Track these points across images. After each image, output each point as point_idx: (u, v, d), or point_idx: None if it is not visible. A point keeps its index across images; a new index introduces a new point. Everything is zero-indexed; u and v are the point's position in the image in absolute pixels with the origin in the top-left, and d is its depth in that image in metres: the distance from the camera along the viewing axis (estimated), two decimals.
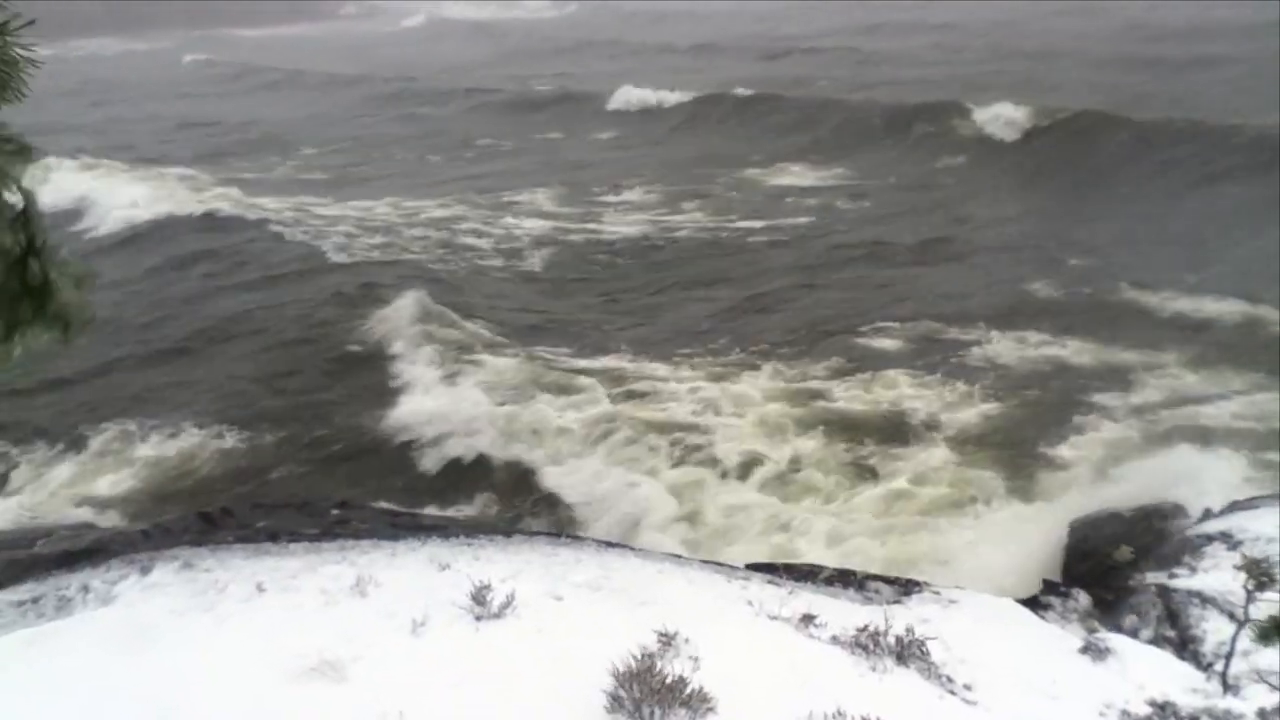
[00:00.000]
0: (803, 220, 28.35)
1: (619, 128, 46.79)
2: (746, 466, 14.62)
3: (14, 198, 2.64)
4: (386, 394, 17.59)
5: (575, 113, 50.07)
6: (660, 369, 17.78)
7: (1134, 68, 46.32)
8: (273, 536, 9.99)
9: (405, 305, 20.69)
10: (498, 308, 21.92)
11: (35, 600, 8.34)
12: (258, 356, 19.95)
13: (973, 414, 15.84)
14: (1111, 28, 61.01)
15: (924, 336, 18.78)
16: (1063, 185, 29.01)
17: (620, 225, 29.19)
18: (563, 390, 17.27)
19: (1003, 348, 18.03)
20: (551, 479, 14.78)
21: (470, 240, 28.72)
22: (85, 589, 8.33)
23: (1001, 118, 34.23)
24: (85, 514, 14.86)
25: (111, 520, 14.21)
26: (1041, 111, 33.59)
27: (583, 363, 18.54)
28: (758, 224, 28.24)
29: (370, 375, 18.57)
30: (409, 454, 15.82)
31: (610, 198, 32.88)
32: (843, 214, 28.74)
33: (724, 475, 14.53)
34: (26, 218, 2.68)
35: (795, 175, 34.75)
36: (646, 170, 36.75)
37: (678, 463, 14.84)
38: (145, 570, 8.50)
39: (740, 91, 46.40)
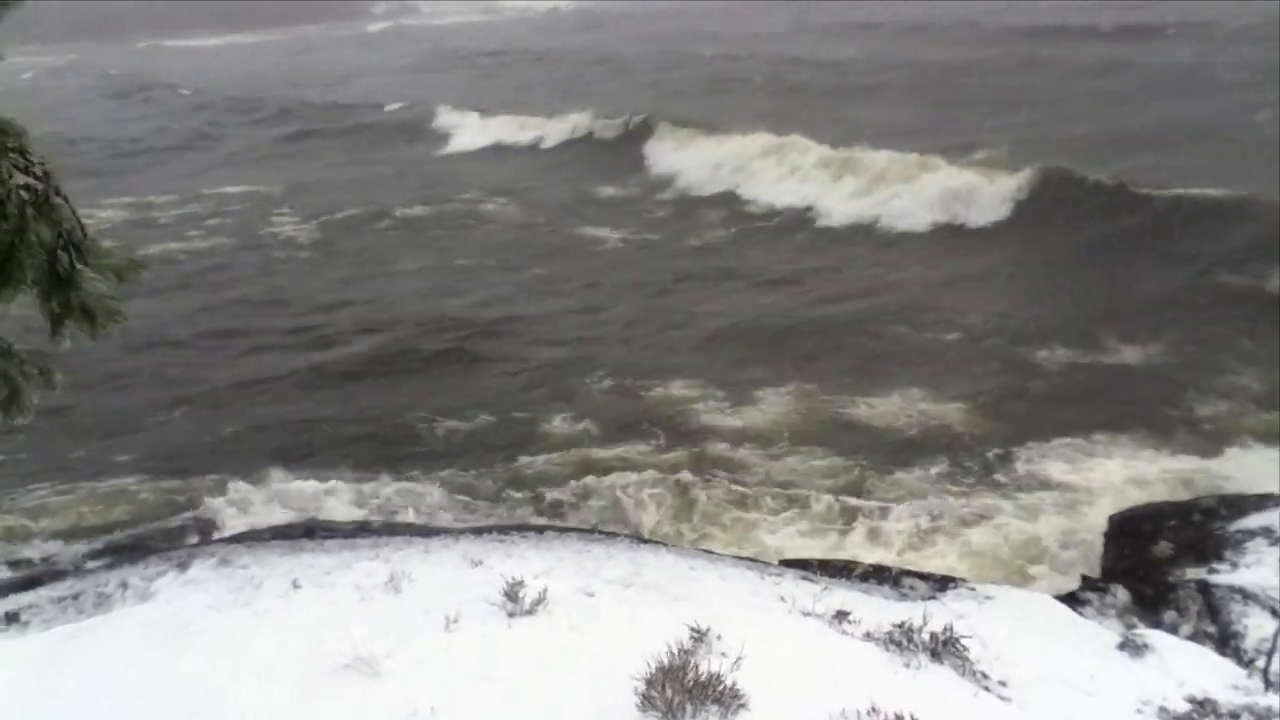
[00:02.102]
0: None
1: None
2: None
3: (41, 186, 2.68)
4: None
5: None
6: None
7: None
8: (308, 532, 10.10)
9: None
10: None
11: (75, 596, 8.48)
12: None
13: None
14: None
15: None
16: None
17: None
18: None
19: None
20: None
21: None
22: (124, 585, 8.46)
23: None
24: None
25: None
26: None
27: None
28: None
29: None
30: None
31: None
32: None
33: None
34: (53, 208, 2.73)
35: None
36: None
37: None
38: (183, 566, 8.61)
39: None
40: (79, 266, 2.82)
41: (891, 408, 15.61)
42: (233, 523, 12.07)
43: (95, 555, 10.75)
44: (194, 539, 11.22)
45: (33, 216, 2.70)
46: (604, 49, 73.42)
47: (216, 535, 11.27)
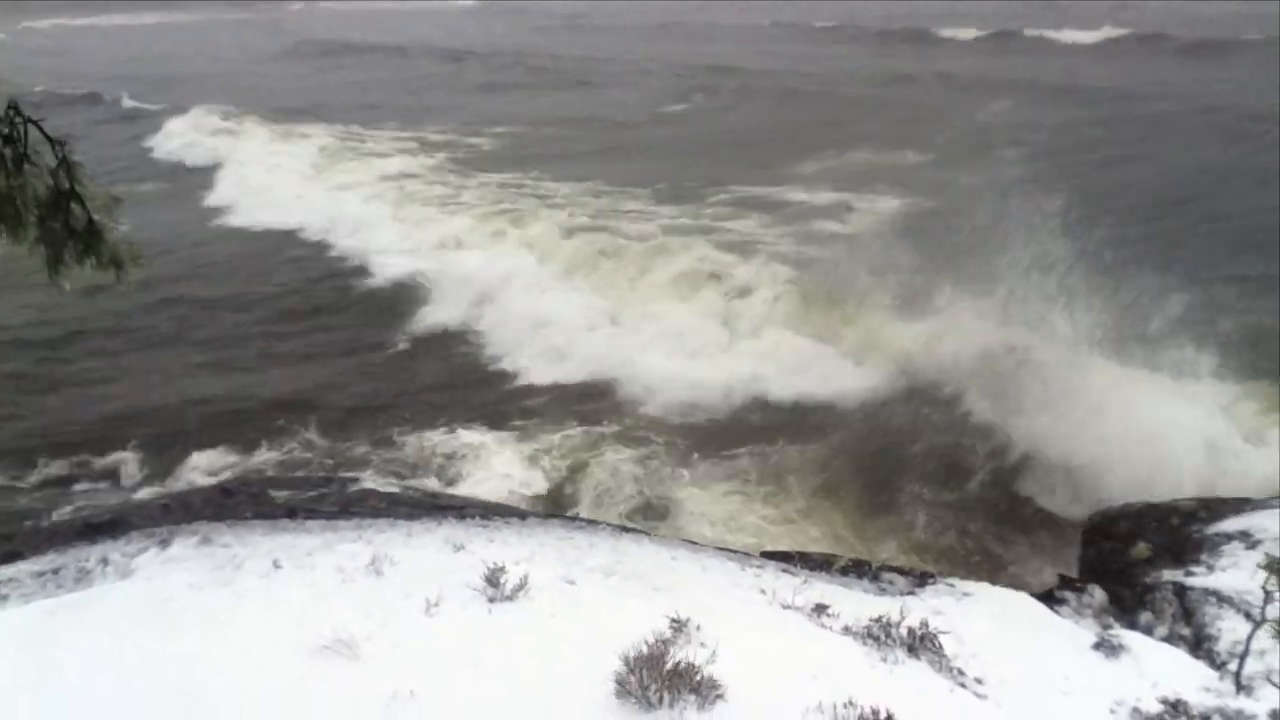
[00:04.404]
0: None
1: None
2: None
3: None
4: None
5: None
6: None
7: None
8: (290, 513, 10.08)
9: None
10: None
11: (55, 571, 8.45)
12: None
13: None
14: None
15: None
16: None
17: None
18: None
19: None
20: None
21: None
22: (105, 561, 8.44)
23: None
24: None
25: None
26: None
27: None
28: None
29: None
30: None
31: None
32: None
33: None
34: (64, 163, 2.76)
35: None
36: None
37: None
38: (164, 544, 8.60)
39: None
40: (96, 218, 2.87)
41: None
42: None
43: (76, 529, 10.71)
44: (175, 516, 11.19)
45: (33, 173, 2.74)
46: (477, 45, 73.56)
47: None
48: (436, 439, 16.20)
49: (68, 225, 2.90)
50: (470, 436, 16.18)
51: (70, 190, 2.89)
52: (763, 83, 50.45)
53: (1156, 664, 7.72)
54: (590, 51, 68.38)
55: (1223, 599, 9.09)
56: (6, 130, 2.75)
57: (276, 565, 7.78)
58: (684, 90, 50.53)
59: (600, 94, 51.96)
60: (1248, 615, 8.55)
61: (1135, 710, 6.93)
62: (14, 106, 2.78)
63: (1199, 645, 8.65)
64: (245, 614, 6.83)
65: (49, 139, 2.88)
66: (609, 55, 65.49)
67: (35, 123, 2.83)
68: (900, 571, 9.69)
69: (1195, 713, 7.02)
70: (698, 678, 5.67)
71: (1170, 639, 8.77)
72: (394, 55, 72.44)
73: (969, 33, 66.89)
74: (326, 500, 11.14)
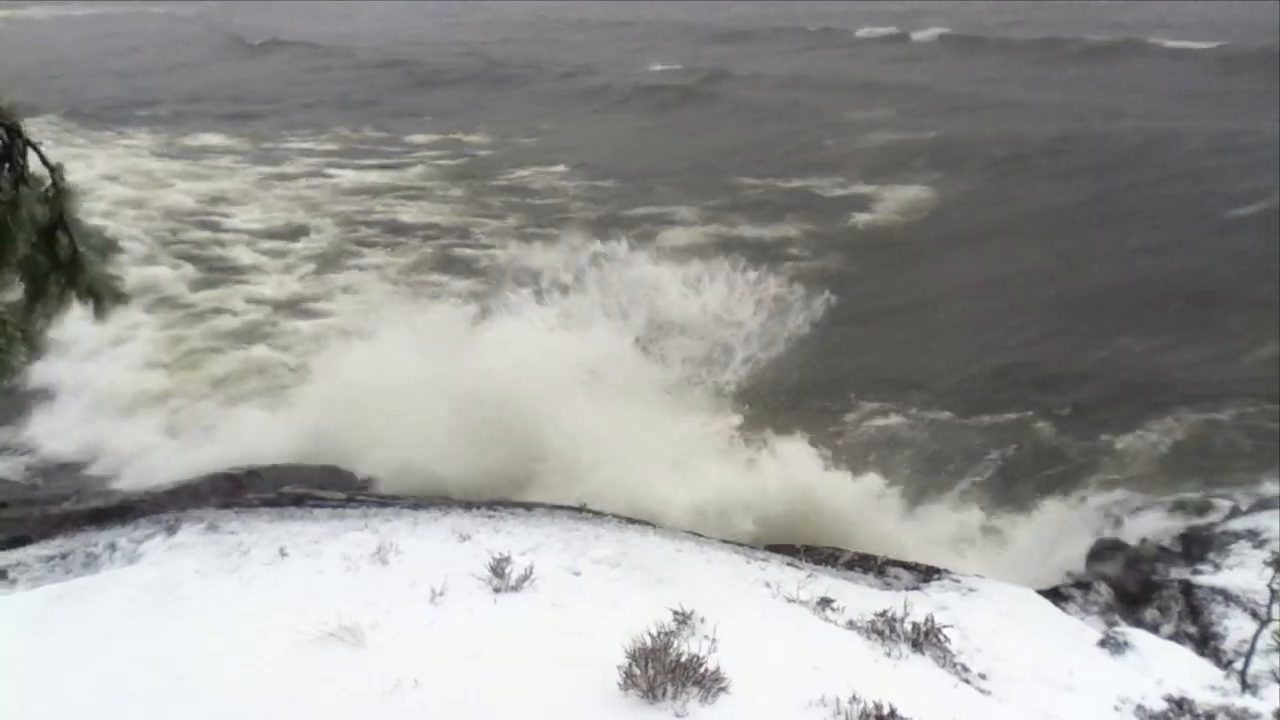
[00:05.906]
0: None
1: None
2: None
3: (42, 170, 2.67)
4: None
5: None
6: None
7: None
8: (297, 501, 10.10)
9: None
10: None
11: (64, 556, 8.49)
12: None
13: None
14: None
15: None
16: None
17: None
18: None
19: None
20: None
21: None
22: (112, 547, 8.47)
23: None
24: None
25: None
26: None
27: None
28: None
29: None
30: None
31: None
32: None
33: None
34: (57, 190, 2.71)
35: None
36: None
37: None
38: (171, 530, 8.63)
39: None
40: (80, 248, 2.81)
41: None
42: None
43: (84, 515, 10.76)
44: (182, 503, 11.23)
45: (28, 196, 2.68)
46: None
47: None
48: None
49: (54, 255, 2.83)
50: None
51: (60, 219, 2.81)
52: None
53: (1162, 662, 7.71)
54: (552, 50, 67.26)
55: (1229, 597, 9.07)
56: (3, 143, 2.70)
57: (283, 553, 7.81)
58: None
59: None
60: (1254, 614, 8.53)
61: (1140, 708, 6.92)
62: (14, 128, 2.72)
63: (1205, 643, 8.63)
64: (250, 601, 6.86)
65: (46, 164, 2.82)
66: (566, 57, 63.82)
67: (34, 146, 2.77)
68: (906, 566, 9.68)
69: (1200, 711, 7.00)
70: (701, 670, 5.67)
71: (1176, 637, 8.75)
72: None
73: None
74: (333, 488, 11.17)
